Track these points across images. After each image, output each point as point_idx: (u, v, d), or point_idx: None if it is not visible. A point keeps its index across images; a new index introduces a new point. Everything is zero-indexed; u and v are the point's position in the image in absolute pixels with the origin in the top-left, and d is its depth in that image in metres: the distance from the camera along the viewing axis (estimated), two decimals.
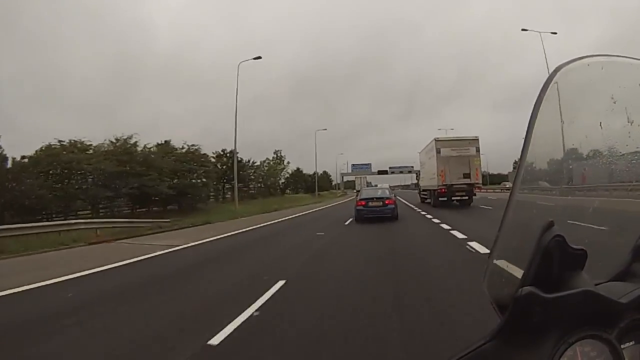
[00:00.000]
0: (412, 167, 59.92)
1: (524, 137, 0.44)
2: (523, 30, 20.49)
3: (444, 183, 15.58)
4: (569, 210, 0.50)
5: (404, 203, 21.51)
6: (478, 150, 16.10)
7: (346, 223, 10.73)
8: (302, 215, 16.54)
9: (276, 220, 13.24)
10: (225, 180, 36.02)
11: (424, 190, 21.46)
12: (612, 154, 0.51)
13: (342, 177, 74.37)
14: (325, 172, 79.74)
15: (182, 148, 26.44)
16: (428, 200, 19.30)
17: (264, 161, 44.55)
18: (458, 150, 15.99)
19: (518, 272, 0.45)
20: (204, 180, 27.21)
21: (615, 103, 0.48)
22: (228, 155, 35.97)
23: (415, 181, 35.50)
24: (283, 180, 47.72)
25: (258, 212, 18.45)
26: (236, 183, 21.53)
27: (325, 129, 51.28)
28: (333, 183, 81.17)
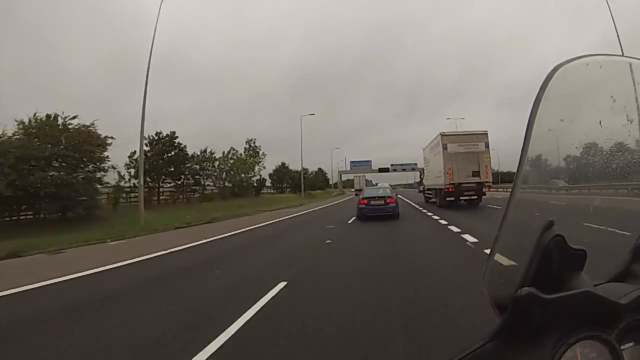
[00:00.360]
0: (416, 164, 59.43)
1: (524, 136, 0.47)
2: None
3: (452, 182, 15.34)
4: (569, 210, 0.53)
5: (407, 202, 21.53)
6: (487, 145, 15.88)
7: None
8: (231, 236, 9.75)
9: (152, 255, 6.97)
10: (164, 176, 29.03)
11: (428, 190, 21.41)
12: (611, 153, 0.54)
13: (340, 175, 72.48)
14: (320, 170, 75.93)
15: (58, 123, 18.10)
16: (433, 200, 19.25)
17: (228, 152, 35.84)
18: (466, 146, 15.71)
19: (518, 272, 0.48)
20: (93, 174, 18.96)
21: (614, 102, 0.51)
22: (164, 139, 28.66)
23: (418, 180, 35.59)
24: (258, 177, 38.96)
25: (181, 224, 12.56)
26: (142, 181, 14.79)
27: (313, 114, 40.82)
28: (332, 182, 78.82)
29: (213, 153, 34.09)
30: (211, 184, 34.53)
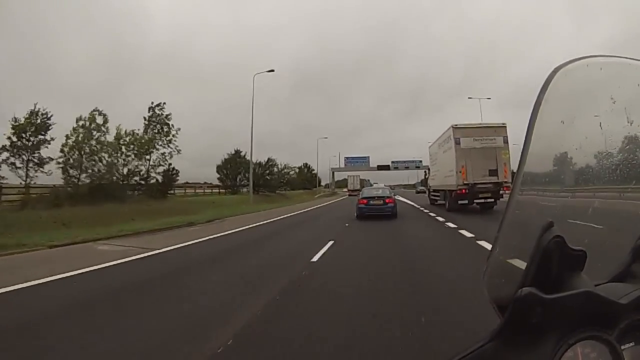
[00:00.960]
0: (421, 161, 56.48)
1: (524, 137, 0.54)
2: None
3: (465, 182, 15.02)
4: (569, 211, 0.60)
5: (414, 206, 21.03)
6: (506, 140, 15.35)
7: None
8: None
9: None
10: None
11: (435, 191, 21.18)
12: (612, 155, 0.62)
13: (333, 173, 68.88)
14: (305, 165, 70.02)
15: None
16: (440, 202, 19.07)
17: (90, 123, 22.55)
18: (482, 141, 15.37)
19: (518, 273, 0.55)
20: None
21: (614, 103, 0.58)
22: None
23: (420, 180, 35.64)
24: (166, 167, 26.83)
25: None
26: None
27: (273, 70, 29.50)
28: (328, 181, 73.48)
29: (48, 117, 20.82)
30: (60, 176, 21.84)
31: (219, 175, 43.10)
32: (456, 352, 0.54)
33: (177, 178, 29.29)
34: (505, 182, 15.58)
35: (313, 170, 70.09)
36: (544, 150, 0.58)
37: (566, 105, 0.58)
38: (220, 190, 41.61)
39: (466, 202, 15.68)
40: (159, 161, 26.55)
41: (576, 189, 0.63)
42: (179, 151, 26.98)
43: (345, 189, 65.97)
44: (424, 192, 37.41)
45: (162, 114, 26.94)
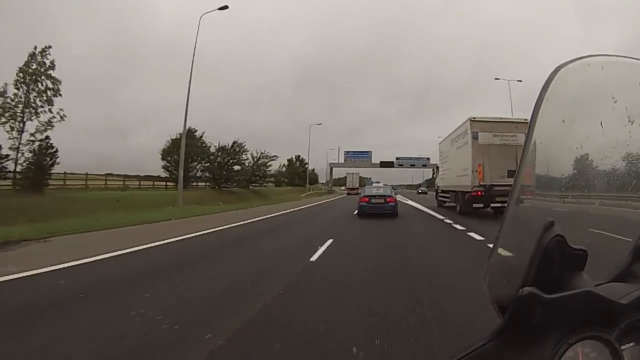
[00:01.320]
0: (429, 159, 54.78)
1: (525, 137, 0.59)
2: None
3: (482, 183, 14.54)
4: (570, 210, 0.63)
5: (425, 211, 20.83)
6: None
7: None
8: None
9: None
10: None
11: (443, 192, 20.78)
12: (613, 154, 0.66)
13: (331, 169, 65.68)
14: (297, 158, 64.86)
15: None
16: (450, 204, 18.63)
17: None
18: (502, 137, 14.88)
19: (518, 273, 0.59)
20: None
21: (615, 103, 0.62)
22: None
23: (425, 180, 35.55)
24: (40, 144, 19.30)
25: None
26: None
27: (226, 7, 21.84)
28: (325, 179, 68.12)
29: None
30: None
31: (163, 164, 33.95)
32: (456, 352, 0.58)
33: (57, 160, 20.32)
34: (527, 185, 15.39)
35: (306, 163, 65.32)
36: (545, 149, 0.61)
37: (567, 104, 0.62)
38: (168, 184, 31.78)
39: (481, 205, 15.06)
40: (36, 134, 18.82)
41: (577, 188, 0.66)
42: (62, 117, 19.44)
43: (343, 187, 65.75)
44: (425, 193, 37.23)
45: (45, 63, 19.54)
